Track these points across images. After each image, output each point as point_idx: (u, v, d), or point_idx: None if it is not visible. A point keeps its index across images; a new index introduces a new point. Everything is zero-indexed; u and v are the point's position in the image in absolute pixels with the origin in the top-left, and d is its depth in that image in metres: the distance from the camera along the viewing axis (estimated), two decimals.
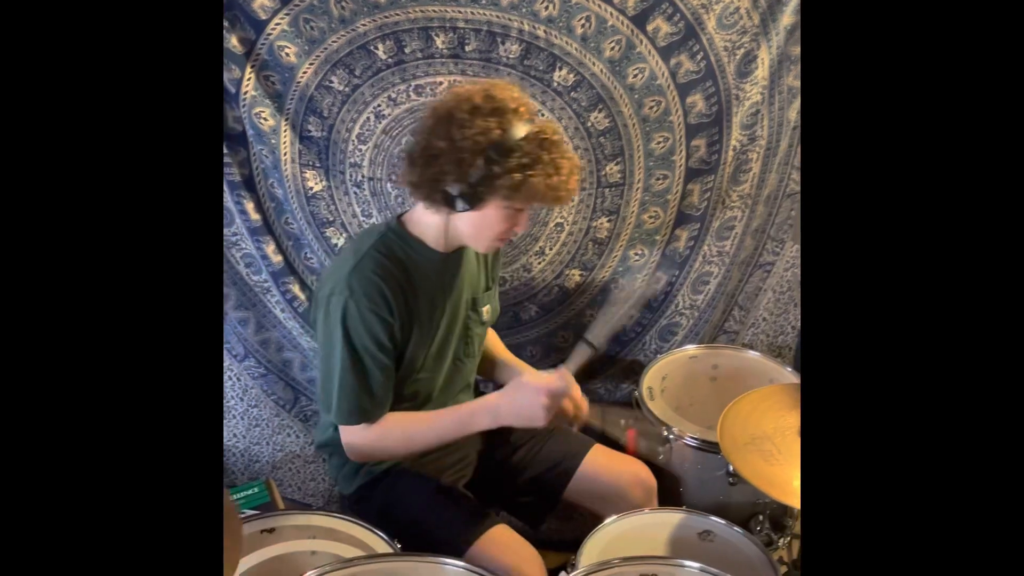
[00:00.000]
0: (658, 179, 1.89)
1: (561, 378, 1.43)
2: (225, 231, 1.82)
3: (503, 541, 1.47)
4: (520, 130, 1.29)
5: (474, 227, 1.40)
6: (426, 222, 1.43)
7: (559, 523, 1.99)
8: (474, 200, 1.32)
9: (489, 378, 1.79)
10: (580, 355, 1.52)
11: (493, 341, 1.79)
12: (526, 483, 1.67)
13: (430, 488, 1.56)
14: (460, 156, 1.29)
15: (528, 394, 1.41)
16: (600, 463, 1.67)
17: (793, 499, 1.34)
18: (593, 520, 1.53)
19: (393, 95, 1.75)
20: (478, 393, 1.75)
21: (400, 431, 1.48)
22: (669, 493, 1.76)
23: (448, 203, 1.34)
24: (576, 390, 1.46)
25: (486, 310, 1.61)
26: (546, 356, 2.08)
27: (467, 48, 1.71)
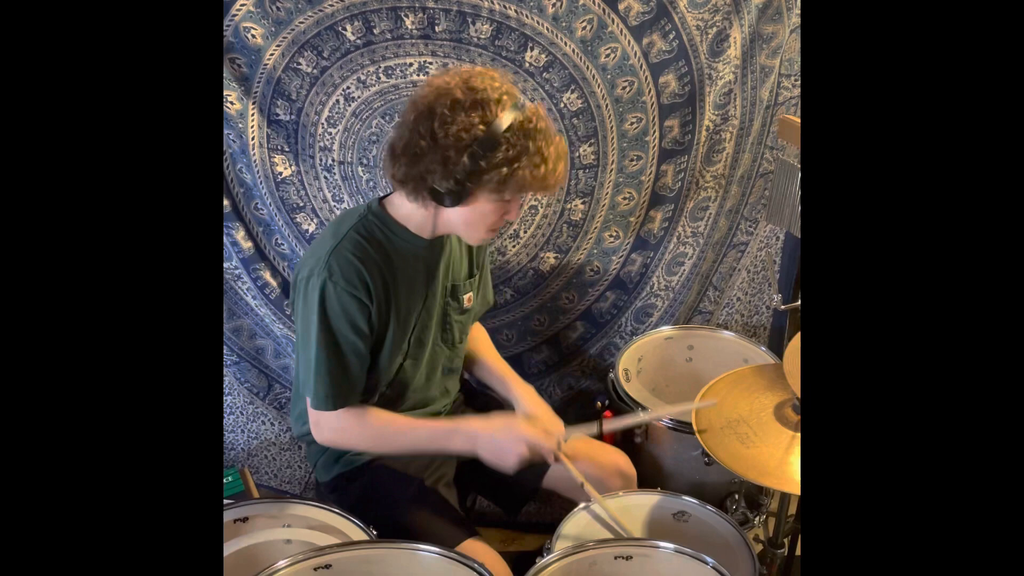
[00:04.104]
0: (632, 160, 1.88)
1: (551, 449, 1.43)
2: None
3: (479, 554, 1.45)
4: (504, 121, 1.26)
5: (466, 221, 1.38)
6: (409, 208, 1.40)
7: (537, 506, 1.99)
8: (462, 196, 1.30)
9: (476, 377, 1.74)
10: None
11: (484, 343, 1.74)
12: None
13: (413, 488, 1.54)
14: (445, 155, 1.26)
15: (511, 440, 1.41)
16: (580, 452, 1.66)
17: (769, 480, 1.35)
18: (571, 505, 1.52)
19: (363, 77, 1.72)
20: (462, 383, 1.74)
21: (374, 428, 1.45)
22: (645, 474, 1.77)
23: (436, 198, 1.32)
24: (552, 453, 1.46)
25: (467, 298, 1.58)
26: (521, 340, 2.08)
27: (437, 28, 1.68)
